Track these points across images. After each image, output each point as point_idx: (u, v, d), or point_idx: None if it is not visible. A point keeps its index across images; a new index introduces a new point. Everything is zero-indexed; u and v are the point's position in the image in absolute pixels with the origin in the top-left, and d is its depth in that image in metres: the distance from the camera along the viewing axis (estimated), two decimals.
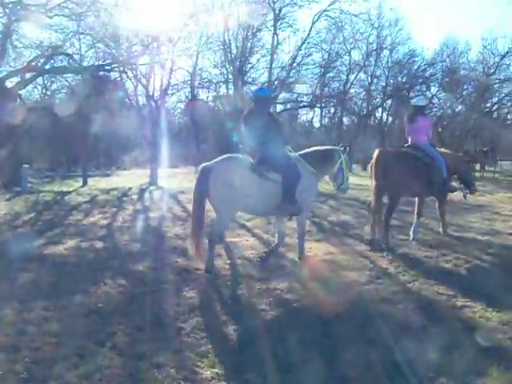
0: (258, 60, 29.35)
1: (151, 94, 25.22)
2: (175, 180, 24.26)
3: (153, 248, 8.33)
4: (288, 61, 29.58)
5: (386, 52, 38.88)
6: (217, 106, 31.94)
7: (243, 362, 4.12)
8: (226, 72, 27.79)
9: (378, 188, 8.55)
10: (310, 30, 28.68)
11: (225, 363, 4.09)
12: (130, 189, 19.30)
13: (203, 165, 6.84)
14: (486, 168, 28.76)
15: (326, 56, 34.23)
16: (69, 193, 18.09)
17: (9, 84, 20.91)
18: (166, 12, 25.92)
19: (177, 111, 39.37)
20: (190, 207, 12.92)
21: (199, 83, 28.95)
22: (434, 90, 40.05)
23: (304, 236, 7.66)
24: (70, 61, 22.73)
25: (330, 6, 27.86)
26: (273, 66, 28.73)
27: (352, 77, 37.07)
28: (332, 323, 4.90)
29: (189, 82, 27.31)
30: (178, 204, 14.14)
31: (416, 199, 9.44)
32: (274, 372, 3.95)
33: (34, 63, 20.64)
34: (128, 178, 26.74)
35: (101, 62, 23.44)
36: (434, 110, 41.16)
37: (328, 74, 34.12)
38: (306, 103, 31.53)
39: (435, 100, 40.30)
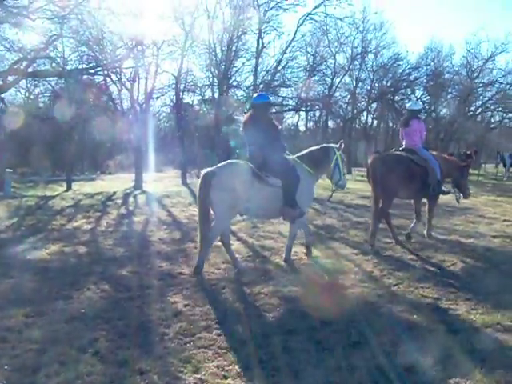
0: (243, 63, 29.24)
1: (136, 97, 25.14)
2: (160, 184, 24.23)
3: (137, 253, 8.28)
4: (273, 64, 29.60)
5: (370, 56, 39.32)
6: (202, 109, 31.87)
7: (227, 367, 4.08)
8: (211, 75, 27.69)
9: (375, 190, 8.78)
10: (295, 34, 28.75)
11: (208, 368, 4.05)
12: (114, 193, 19.22)
13: (205, 170, 7.00)
14: (470, 171, 28.89)
15: (310, 59, 34.32)
16: (52, 197, 17.98)
17: None
18: (150, 15, 25.90)
19: (162, 115, 39.28)
20: (174, 211, 12.99)
21: (184, 87, 28.81)
22: (418, 93, 40.48)
23: (294, 239, 7.77)
24: (54, 64, 22.54)
25: (314, 9, 27.99)
26: (258, 69, 28.72)
27: (337, 80, 37.26)
28: (317, 327, 4.88)
29: (174, 86, 27.16)
30: (163, 208, 14.08)
31: (412, 201, 9.61)
32: (258, 377, 3.92)
33: (16, 66, 20.42)
34: (113, 183, 26.64)
35: (84, 66, 23.26)
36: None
37: (313, 78, 34.14)
38: (291, 107, 31.51)
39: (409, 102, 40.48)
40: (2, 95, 21.86)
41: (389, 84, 39.40)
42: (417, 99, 39.72)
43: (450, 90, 39.80)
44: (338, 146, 7.73)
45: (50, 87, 28.43)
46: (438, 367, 4.05)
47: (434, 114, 40.01)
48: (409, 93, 40.36)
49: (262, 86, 28.32)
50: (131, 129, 24.90)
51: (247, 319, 5.17)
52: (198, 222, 7.16)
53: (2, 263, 7.42)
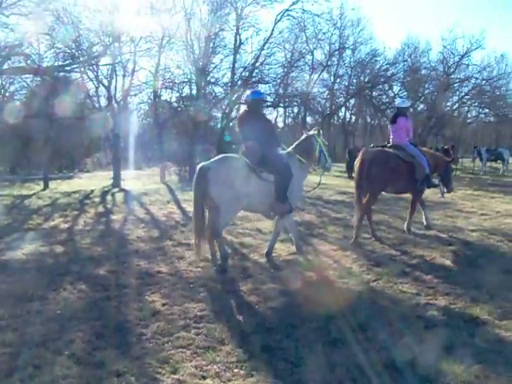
0: (221, 60, 29.07)
1: (113, 95, 24.91)
2: (139, 182, 24.06)
3: (114, 251, 8.18)
4: (251, 60, 29.46)
5: (348, 52, 39.54)
6: (180, 106, 31.65)
7: (205, 367, 4.04)
8: (188, 72, 27.46)
9: (360, 186, 8.92)
10: (273, 30, 28.59)
11: (187, 369, 4.01)
12: (92, 191, 19.02)
13: (201, 164, 7.13)
14: None
15: (288, 56, 34.32)
16: (29, 196, 17.73)
17: None
18: (127, 12, 25.63)
19: (140, 112, 38.99)
20: (153, 209, 12.89)
21: (162, 84, 28.62)
22: (396, 89, 40.72)
23: (278, 235, 7.95)
24: (29, 61, 22.22)
25: (292, 5, 27.84)
26: (236, 65, 28.61)
27: (315, 76, 37.33)
28: (296, 325, 4.86)
29: (151, 83, 26.98)
30: (141, 206, 13.96)
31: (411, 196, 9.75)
32: (237, 377, 3.89)
33: None
34: (91, 181, 26.40)
35: (61, 63, 22.96)
36: None
37: (291, 74, 34.16)
38: (269, 103, 31.46)
39: (397, 99, 40.78)
40: None
41: (366, 80, 39.57)
42: (394, 95, 40.11)
43: (426, 86, 40.10)
44: (316, 132, 7.95)
45: (26, 85, 28.08)
46: (418, 363, 4.04)
47: (411, 110, 40.24)
48: (386, 88, 40.64)
49: (239, 82, 28.24)
50: (109, 126, 24.65)
51: (226, 318, 5.13)
52: (192, 215, 7.28)
53: None
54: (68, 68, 22.52)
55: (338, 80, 40.25)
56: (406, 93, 39.42)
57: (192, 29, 25.45)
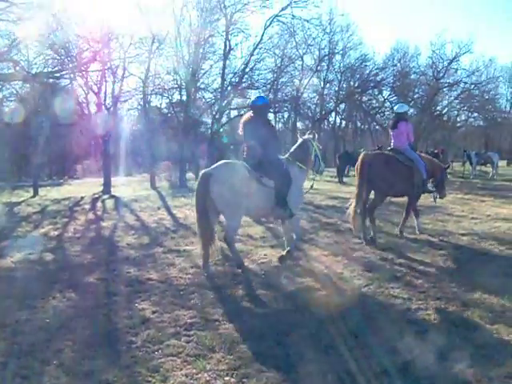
0: (211, 66, 29.18)
1: (103, 101, 24.86)
2: (129, 188, 24.00)
3: (104, 259, 8.13)
4: (240, 66, 29.56)
5: (338, 57, 39.69)
6: (170, 112, 31.63)
7: (196, 375, 4.00)
8: (178, 78, 27.47)
9: (361, 188, 9.04)
10: (263, 36, 28.70)
11: (177, 377, 3.97)
12: (82, 198, 18.94)
13: (203, 171, 7.37)
14: None
15: (278, 61, 34.37)
16: (18, 203, 17.63)
17: None
18: (116, 18, 25.63)
19: (130, 118, 38.92)
20: (143, 216, 12.83)
21: (152, 90, 28.60)
22: (385, 93, 40.94)
23: (298, 239, 7.98)
24: (18, 68, 22.11)
25: (281, 11, 27.96)
26: (225, 71, 28.66)
27: (305, 81, 37.36)
28: (286, 332, 4.82)
29: (141, 89, 26.94)
30: (131, 213, 13.90)
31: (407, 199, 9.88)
32: None
33: None
34: (81, 187, 26.31)
35: (50, 69, 22.88)
36: (387, 113, 41.91)
37: (281, 79, 34.23)
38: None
39: (387, 104, 41.06)
40: None
41: (356, 85, 39.79)
42: (384, 99, 40.29)
43: (416, 90, 40.33)
44: (311, 136, 8.10)
45: (15, 92, 27.98)
46: (410, 368, 4.03)
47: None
48: (376, 93, 40.86)
49: (229, 88, 28.27)
50: (99, 133, 24.59)
51: (216, 325, 5.09)
52: (196, 222, 7.25)
53: None
54: (57, 74, 22.44)
55: (328, 85, 40.37)
56: (395, 97, 39.62)
57: (182, 35, 25.49)
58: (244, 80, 29.06)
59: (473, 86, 38.72)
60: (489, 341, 4.58)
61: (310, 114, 41.13)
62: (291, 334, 4.75)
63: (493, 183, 23.94)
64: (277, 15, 28.20)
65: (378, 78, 38.74)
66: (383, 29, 76.54)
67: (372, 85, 38.91)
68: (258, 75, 30.51)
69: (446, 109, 41.81)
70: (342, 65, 39.77)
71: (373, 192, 9.34)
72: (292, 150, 8.05)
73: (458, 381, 3.87)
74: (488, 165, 29.88)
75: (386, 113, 42.46)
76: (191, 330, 4.92)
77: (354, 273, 7.02)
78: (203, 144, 30.77)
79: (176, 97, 30.45)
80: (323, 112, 40.76)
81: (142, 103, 29.07)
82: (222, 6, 26.39)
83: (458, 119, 46.78)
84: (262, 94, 31.21)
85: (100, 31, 22.31)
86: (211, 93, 29.84)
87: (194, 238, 9.48)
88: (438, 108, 40.86)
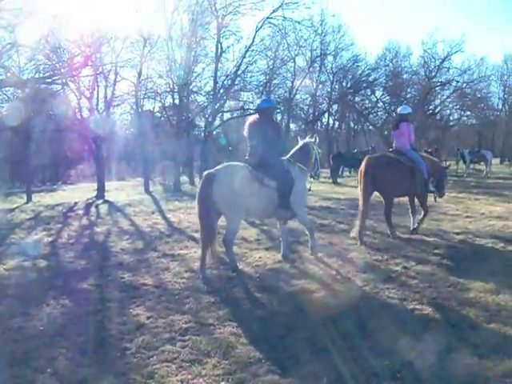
0: (203, 69, 29.16)
1: (95, 106, 24.81)
2: (122, 193, 23.93)
3: (98, 265, 8.09)
4: (233, 69, 29.56)
5: (330, 58, 39.69)
6: (163, 116, 31.59)
7: (191, 381, 3.97)
8: (171, 82, 27.40)
9: (366, 192, 9.18)
10: (254, 38, 28.71)
11: (172, 383, 3.93)
12: (76, 204, 18.87)
13: (207, 172, 7.33)
14: None
15: (270, 63, 34.36)
16: (12, 210, 17.56)
17: None
18: (108, 22, 25.58)
19: (123, 123, 38.85)
20: (137, 220, 12.79)
21: (144, 94, 28.56)
22: (378, 93, 41.00)
23: (313, 231, 8.15)
24: (9, 74, 22.05)
25: (272, 13, 27.94)
26: (218, 74, 28.69)
27: (297, 83, 37.39)
28: (282, 335, 4.80)
29: (133, 93, 26.90)
30: (125, 217, 13.86)
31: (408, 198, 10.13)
32: None
33: None
34: (74, 193, 26.24)
35: (41, 75, 22.81)
36: (380, 113, 42.02)
37: (273, 81, 34.24)
38: (252, 111, 31.51)
39: (380, 104, 41.16)
40: None
41: (349, 85, 39.82)
42: (377, 100, 40.37)
43: (408, 90, 40.44)
44: (313, 140, 8.25)
45: (7, 97, 27.87)
46: (407, 369, 4.01)
47: (394, 114, 40.51)
48: (369, 93, 40.91)
49: (222, 91, 28.26)
50: (91, 138, 24.53)
51: (211, 329, 5.06)
52: (198, 223, 7.30)
53: None
54: (49, 80, 22.37)
55: (321, 86, 40.42)
56: (388, 97, 39.73)
57: (173, 38, 25.46)
58: (236, 82, 29.09)
59: (465, 84, 38.98)
60: (485, 340, 4.56)
61: (303, 116, 41.15)
62: (287, 337, 4.73)
63: (486, 181, 23.99)
64: (268, 17, 28.20)
65: (371, 79, 38.85)
66: (375, 29, 76.74)
67: (364, 85, 39.01)
68: (250, 77, 30.59)
69: (439, 108, 42.01)
70: (334, 66, 39.82)
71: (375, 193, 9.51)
72: (293, 151, 8.13)
73: (455, 381, 3.85)
74: (481, 163, 29.95)
75: (379, 113, 42.67)
76: (186, 335, 4.89)
77: (349, 274, 6.99)
78: (197, 147, 30.74)
79: (169, 100, 30.40)
80: (316, 113, 40.78)
81: (134, 107, 29.00)
82: (213, 8, 26.43)
83: (451, 118, 47.03)
84: (250, 96, 31.41)
85: (91, 36, 22.28)
86: (204, 96, 29.86)
87: (189, 242, 9.50)
88: (431, 107, 40.99)
